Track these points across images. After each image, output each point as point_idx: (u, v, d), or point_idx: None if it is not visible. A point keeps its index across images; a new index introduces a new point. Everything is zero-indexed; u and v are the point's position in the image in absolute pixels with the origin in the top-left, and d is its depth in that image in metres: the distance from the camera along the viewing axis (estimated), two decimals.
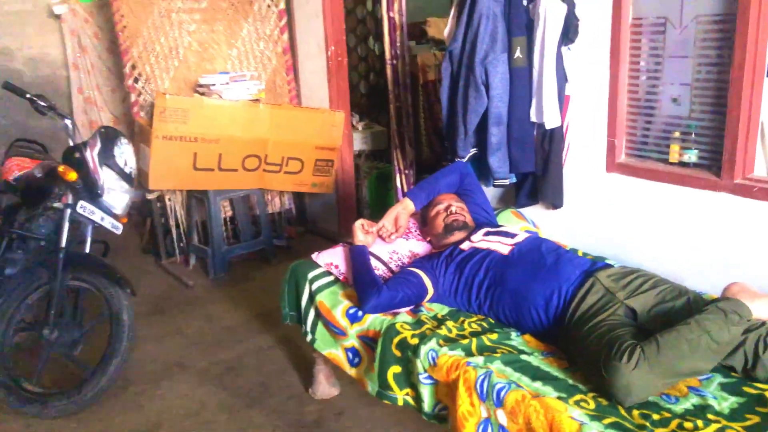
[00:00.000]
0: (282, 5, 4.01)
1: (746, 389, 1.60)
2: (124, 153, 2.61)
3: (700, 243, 2.18)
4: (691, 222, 2.20)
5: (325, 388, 2.39)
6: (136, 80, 3.60)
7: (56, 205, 2.45)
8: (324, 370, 2.37)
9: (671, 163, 2.25)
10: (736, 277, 2.00)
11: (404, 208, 2.32)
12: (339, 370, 2.20)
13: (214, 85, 3.49)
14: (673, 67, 2.20)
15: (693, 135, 2.19)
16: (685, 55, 2.15)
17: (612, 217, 2.44)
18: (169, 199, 3.77)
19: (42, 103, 2.43)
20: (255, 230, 3.95)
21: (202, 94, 3.54)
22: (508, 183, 2.67)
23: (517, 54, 2.45)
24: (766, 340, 1.63)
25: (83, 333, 2.44)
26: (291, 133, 3.65)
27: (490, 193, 2.85)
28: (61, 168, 2.36)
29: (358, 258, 2.17)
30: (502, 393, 1.56)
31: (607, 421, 1.46)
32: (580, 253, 2.38)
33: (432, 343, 1.80)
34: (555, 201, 2.56)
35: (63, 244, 2.36)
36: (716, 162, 2.11)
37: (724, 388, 1.62)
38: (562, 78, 2.42)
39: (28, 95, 2.40)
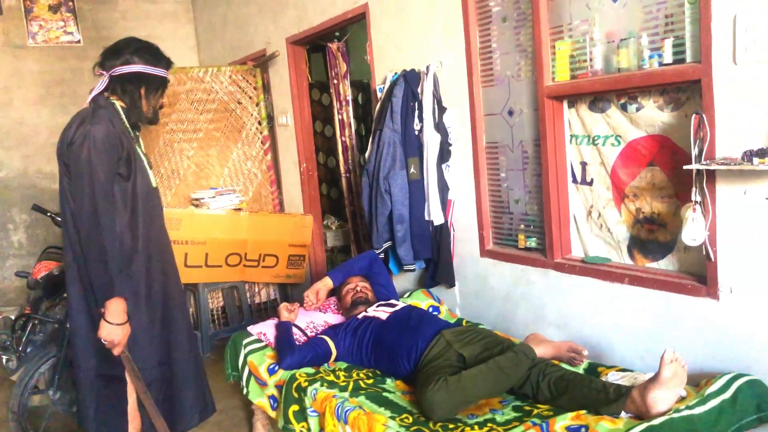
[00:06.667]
0: (266, 132, 4.93)
1: (526, 407, 2.21)
2: None
3: (538, 308, 2.82)
4: (533, 292, 2.84)
5: None
6: None
7: (65, 295, 3.24)
8: (261, 419, 3.02)
9: (520, 248, 2.93)
10: (555, 331, 2.64)
11: (324, 284, 3.06)
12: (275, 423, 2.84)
13: (203, 198, 4.36)
14: (514, 177, 2.93)
15: (531, 226, 2.89)
16: (521, 168, 2.89)
17: (486, 292, 3.10)
18: None
19: (59, 219, 3.28)
20: (241, 316, 4.67)
21: (196, 205, 4.40)
22: (414, 268, 3.36)
23: (412, 170, 3.22)
24: (544, 372, 2.25)
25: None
26: (267, 234, 4.44)
27: (407, 276, 3.55)
28: None
29: (282, 330, 2.87)
30: (348, 413, 2.20)
31: (412, 428, 2.09)
32: (464, 323, 3.04)
33: (316, 384, 2.46)
34: (448, 281, 3.24)
35: (68, 324, 3.12)
36: (544, 246, 2.79)
37: (514, 408, 2.23)
38: (444, 187, 3.17)
39: (48, 213, 3.26)
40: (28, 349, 3.40)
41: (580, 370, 2.39)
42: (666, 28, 2.19)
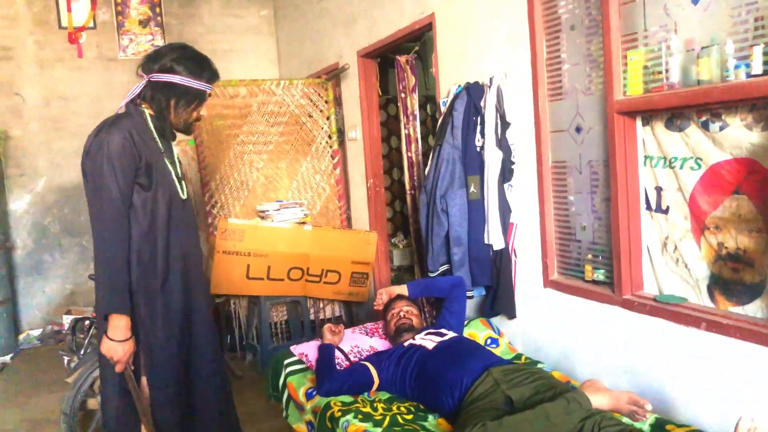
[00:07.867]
0: (335, 146, 4.87)
1: None
2: None
3: (603, 349, 2.52)
4: (598, 331, 2.55)
5: None
6: (212, 206, 4.55)
7: None
8: None
9: (587, 281, 2.64)
10: (621, 376, 2.34)
11: (401, 290, 2.96)
12: None
13: (268, 210, 4.34)
14: (582, 201, 2.65)
15: (600, 257, 2.60)
16: (589, 192, 2.61)
17: (548, 326, 2.82)
18: (234, 303, 4.56)
19: None
20: (303, 332, 4.59)
21: (262, 217, 4.39)
22: (473, 295, 3.13)
23: (472, 189, 3.01)
24: (600, 425, 1.97)
25: None
26: (330, 250, 4.35)
27: (468, 304, 3.31)
28: None
29: (324, 353, 2.74)
30: None
31: None
32: (523, 359, 2.79)
33: (349, 416, 2.30)
34: (509, 312, 2.99)
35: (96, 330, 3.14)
36: (613, 280, 2.49)
37: None
38: (505, 208, 2.93)
39: None
40: (88, 351, 3.47)
41: (645, 426, 2.09)
42: (755, 33, 1.88)
